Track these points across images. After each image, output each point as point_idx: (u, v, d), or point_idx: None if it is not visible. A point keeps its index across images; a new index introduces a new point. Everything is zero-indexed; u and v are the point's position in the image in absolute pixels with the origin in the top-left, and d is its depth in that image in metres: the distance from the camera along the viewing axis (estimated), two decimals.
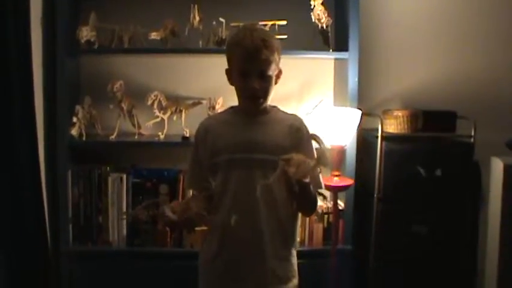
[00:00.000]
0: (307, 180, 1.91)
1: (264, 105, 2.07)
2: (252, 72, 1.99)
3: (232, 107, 2.18)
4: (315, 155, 2.08)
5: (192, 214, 1.97)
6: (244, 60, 1.99)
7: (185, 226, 2.12)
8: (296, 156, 1.85)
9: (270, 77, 2.02)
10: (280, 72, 2.08)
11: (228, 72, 2.09)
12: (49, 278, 2.79)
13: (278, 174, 1.85)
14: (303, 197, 2.01)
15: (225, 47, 2.90)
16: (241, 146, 2.03)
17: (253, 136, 2.05)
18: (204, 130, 2.13)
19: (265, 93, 2.03)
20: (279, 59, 2.05)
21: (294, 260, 2.14)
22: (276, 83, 2.07)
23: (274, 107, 2.16)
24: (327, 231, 3.12)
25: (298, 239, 3.05)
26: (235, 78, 2.04)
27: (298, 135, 2.10)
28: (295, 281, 2.13)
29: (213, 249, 2.08)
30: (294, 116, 2.19)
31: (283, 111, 2.18)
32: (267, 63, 1.99)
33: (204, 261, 2.14)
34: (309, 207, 2.17)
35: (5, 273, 2.53)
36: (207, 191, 2.10)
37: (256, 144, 2.03)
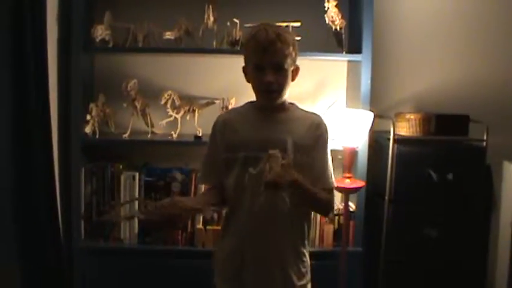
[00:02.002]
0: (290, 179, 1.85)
1: (279, 100, 2.04)
2: (266, 66, 1.97)
3: (250, 102, 2.15)
4: (328, 159, 2.10)
5: (175, 211, 1.93)
6: (259, 54, 1.98)
7: (160, 225, 2.09)
8: (281, 158, 1.85)
9: (285, 71, 1.99)
10: (297, 68, 2.06)
11: (244, 69, 2.08)
12: (61, 273, 2.81)
13: (261, 168, 1.87)
14: (300, 196, 2.00)
15: (239, 48, 2.97)
16: (259, 143, 2.00)
17: (272, 134, 2.03)
18: (222, 124, 2.11)
19: (280, 87, 2.00)
20: (296, 54, 2.03)
21: (308, 255, 2.15)
22: (293, 80, 2.05)
23: (293, 104, 2.14)
24: (337, 233, 3.13)
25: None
26: (251, 73, 2.03)
27: (316, 133, 2.07)
28: (308, 276, 2.14)
29: (231, 247, 2.08)
30: (314, 114, 2.16)
31: (302, 109, 2.16)
32: (282, 56, 1.97)
33: (221, 259, 2.13)
34: (317, 207, 2.16)
35: (19, 269, 2.55)
36: (218, 187, 2.11)
37: (274, 143, 1.99)
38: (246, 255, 2.04)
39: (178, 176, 3.10)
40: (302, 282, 2.09)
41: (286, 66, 1.99)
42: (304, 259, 2.12)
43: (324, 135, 2.10)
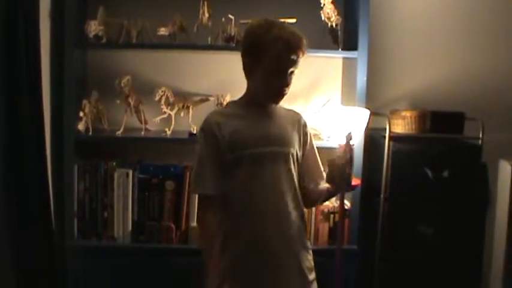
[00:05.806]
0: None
1: None
2: (286, 70, 1.99)
3: (233, 102, 2.18)
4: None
5: None
6: (284, 59, 1.98)
7: None
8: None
9: (294, 75, 2.03)
10: None
11: (251, 64, 2.04)
12: (54, 272, 2.79)
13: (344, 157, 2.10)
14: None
15: (234, 44, 2.95)
16: (261, 139, 2.03)
17: (271, 129, 2.06)
18: (216, 125, 2.04)
19: (288, 90, 2.05)
20: None
21: None
22: None
23: None
24: (332, 231, 3.11)
25: None
26: (263, 72, 2.01)
27: (305, 131, 2.18)
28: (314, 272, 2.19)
29: (244, 248, 2.03)
30: (294, 111, 2.23)
31: (282, 107, 2.19)
32: (299, 63, 2.02)
33: (231, 261, 2.04)
34: None
35: (11, 267, 2.53)
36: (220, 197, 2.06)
37: (277, 138, 2.05)
38: (261, 256, 2.03)
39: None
40: (312, 277, 2.16)
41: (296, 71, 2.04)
42: (310, 251, 2.19)
43: (309, 130, 2.22)
